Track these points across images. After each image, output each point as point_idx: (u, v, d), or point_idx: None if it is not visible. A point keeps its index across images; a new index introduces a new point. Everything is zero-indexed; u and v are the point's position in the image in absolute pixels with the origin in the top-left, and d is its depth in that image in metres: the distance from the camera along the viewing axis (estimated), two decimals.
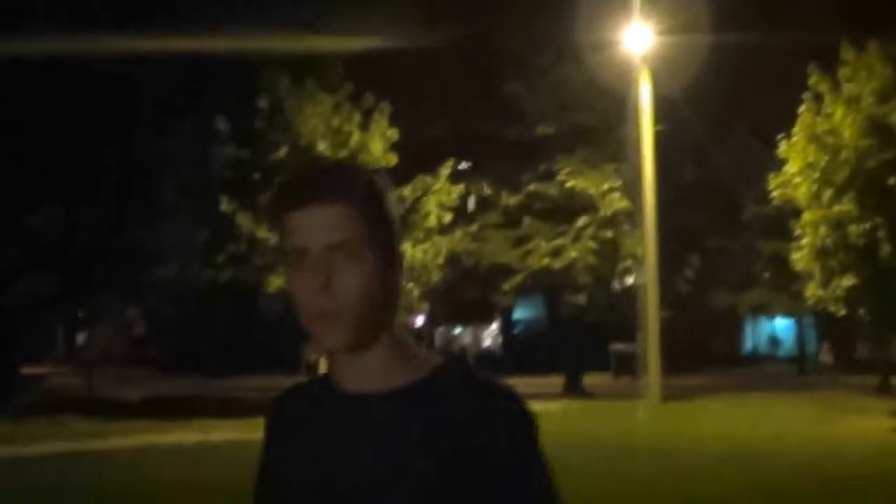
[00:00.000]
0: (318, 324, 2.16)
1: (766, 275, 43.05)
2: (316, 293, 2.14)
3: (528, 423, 2.19)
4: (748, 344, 61.42)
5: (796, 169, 27.23)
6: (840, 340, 50.91)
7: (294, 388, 2.46)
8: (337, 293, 2.14)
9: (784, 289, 39.09)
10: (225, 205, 27.49)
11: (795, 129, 27.52)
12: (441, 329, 64.35)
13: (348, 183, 2.22)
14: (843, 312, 28.12)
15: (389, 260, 2.23)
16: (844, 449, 19.84)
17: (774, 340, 60.38)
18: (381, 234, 2.21)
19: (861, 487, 15.29)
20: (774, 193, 28.16)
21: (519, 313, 57.97)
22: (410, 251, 28.64)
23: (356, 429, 2.20)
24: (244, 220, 27.56)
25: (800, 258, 27.84)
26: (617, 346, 42.67)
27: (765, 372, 49.14)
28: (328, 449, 2.23)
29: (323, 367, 20.21)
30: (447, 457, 2.12)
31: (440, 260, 29.42)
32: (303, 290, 2.17)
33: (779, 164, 28.27)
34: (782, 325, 58.34)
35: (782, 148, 27.51)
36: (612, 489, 14.59)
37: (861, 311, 27.88)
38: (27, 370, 34.63)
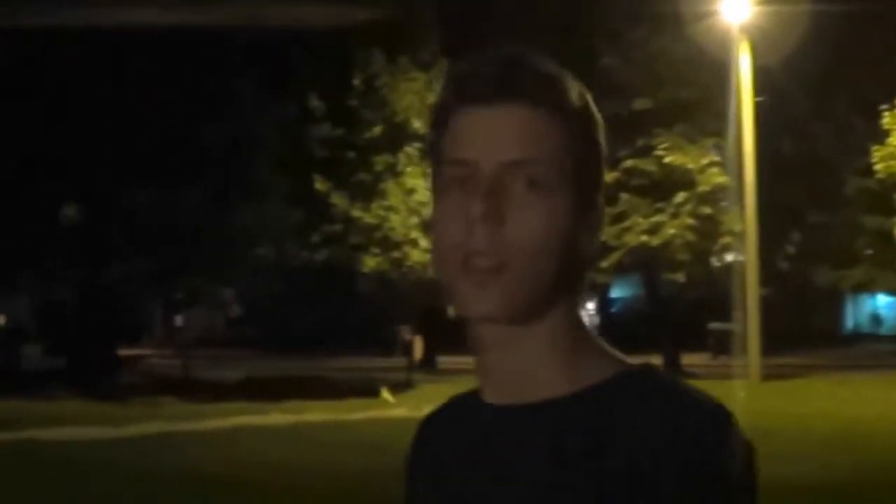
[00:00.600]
0: (468, 274, 1.53)
1: (869, 251, 42.28)
2: (474, 229, 1.50)
3: (739, 447, 1.53)
4: (849, 322, 60.60)
5: None
6: None
7: (442, 407, 1.82)
8: (507, 234, 1.51)
9: (888, 265, 38.35)
10: (319, 184, 27.50)
11: None
12: None
13: (559, 86, 1.57)
14: None
15: (587, 209, 1.60)
16: None
17: (876, 318, 59.51)
18: (588, 169, 1.59)
19: None
20: (878, 166, 27.57)
21: (616, 292, 57.57)
22: None
23: (503, 455, 1.58)
24: (339, 200, 27.54)
25: None
26: (715, 325, 42.13)
27: (866, 351, 48.35)
28: (467, 487, 1.62)
29: (418, 349, 20.13)
30: (626, 493, 1.49)
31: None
32: (454, 223, 1.53)
33: (882, 137, 27.63)
34: (884, 303, 57.48)
35: (886, 119, 26.87)
36: None
37: None
38: (125, 351, 34.93)
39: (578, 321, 1.62)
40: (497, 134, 1.54)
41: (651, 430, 1.49)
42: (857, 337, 56.71)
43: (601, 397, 1.54)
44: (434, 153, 1.63)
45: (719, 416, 1.52)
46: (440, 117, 1.61)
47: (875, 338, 55.85)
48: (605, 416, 1.52)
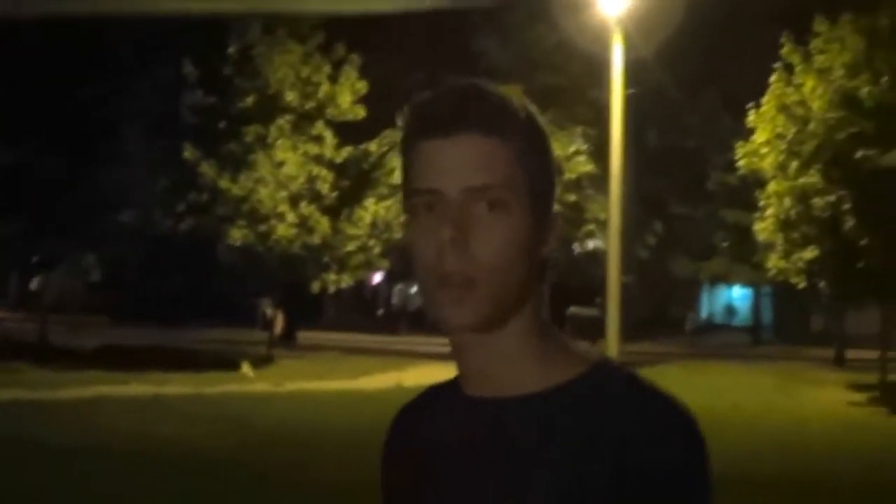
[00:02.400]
0: (444, 292, 1.68)
1: (727, 244, 43.17)
2: (445, 251, 1.67)
3: (701, 444, 1.68)
4: (704, 312, 61.70)
5: (764, 139, 27.11)
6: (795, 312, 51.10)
7: (419, 396, 1.98)
8: (474, 253, 1.67)
9: (744, 259, 39.16)
10: (189, 152, 27.19)
11: (765, 99, 27.38)
12: (399, 287, 64.27)
13: (508, 113, 1.73)
14: (803, 284, 28.08)
15: (543, 220, 1.76)
16: (803, 421, 19.84)
17: (731, 310, 60.68)
18: (540, 184, 1.75)
19: (821, 460, 15.26)
20: (741, 163, 28.05)
21: None
22: (373, 207, 28.46)
23: (483, 447, 1.74)
24: (207, 169, 27.27)
25: (763, 228, 27.77)
26: (574, 310, 42.60)
27: (720, 341, 49.31)
28: (447, 477, 1.77)
29: (279, 324, 20.03)
30: (604, 487, 1.64)
31: (402, 217, 29.21)
32: (428, 246, 1.69)
33: (747, 133, 28.12)
34: (739, 295, 58.64)
35: (751, 117, 27.37)
36: None
37: (821, 284, 27.83)
38: None
39: (544, 321, 1.80)
40: (458, 163, 1.69)
41: (621, 425, 1.65)
42: (712, 327, 57.79)
43: (572, 393, 1.71)
44: (403, 182, 1.77)
45: (685, 416, 1.69)
46: (405, 149, 1.76)
47: (729, 328, 56.99)
48: (575, 412, 1.68)
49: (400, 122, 1.80)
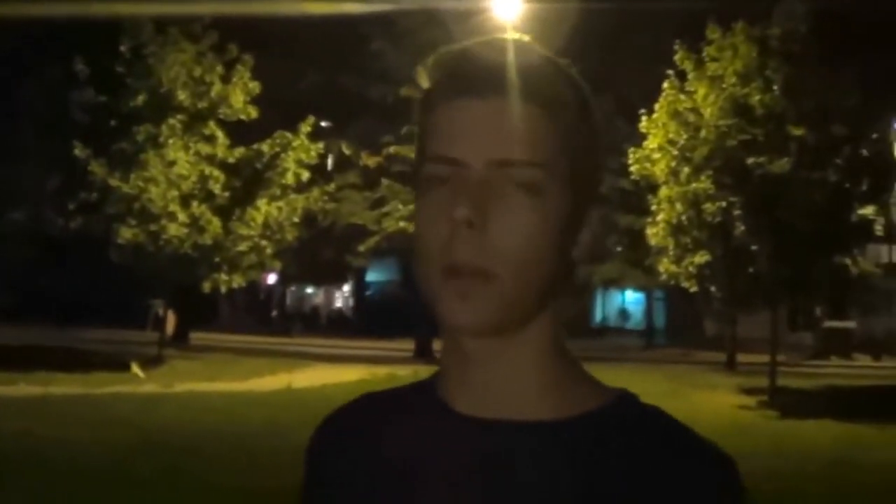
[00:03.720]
0: (450, 283, 1.38)
1: (619, 248, 43.56)
2: (458, 234, 1.36)
3: (742, 495, 1.42)
4: (598, 315, 62.20)
5: (656, 144, 27.37)
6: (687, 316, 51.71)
7: (365, 398, 1.63)
8: (494, 240, 1.37)
9: (637, 263, 39.55)
10: (79, 150, 26.87)
11: (658, 105, 27.66)
12: (293, 288, 64.07)
13: (559, 80, 1.45)
14: (694, 289, 28.39)
15: (582, 207, 1.46)
16: (694, 424, 19.97)
17: (624, 313, 61.26)
18: (583, 170, 1.45)
19: None
20: (633, 168, 28.28)
21: (372, 276, 57.86)
22: (266, 208, 28.34)
23: (477, 478, 1.42)
24: (98, 168, 26.95)
25: (655, 233, 28.01)
26: None
27: (613, 344, 49.72)
28: (407, 501, 1.46)
29: (171, 324, 19.80)
30: None
31: (296, 218, 29.13)
32: (437, 227, 1.39)
33: (640, 139, 28.38)
34: (632, 299, 59.21)
35: (644, 123, 27.63)
36: None
37: (712, 288, 28.18)
38: None
39: (561, 337, 1.51)
40: (487, 130, 1.40)
41: (648, 469, 1.39)
42: (605, 330, 58.28)
43: (594, 427, 1.43)
44: (417, 148, 1.50)
45: (724, 464, 1.43)
46: (424, 108, 1.48)
47: (622, 332, 57.53)
48: (599, 448, 1.41)
49: (420, 75, 1.49)
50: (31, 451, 13.76)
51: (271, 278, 57.09)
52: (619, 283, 49.75)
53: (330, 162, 38.53)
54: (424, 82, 1.48)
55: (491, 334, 1.41)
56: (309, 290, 65.15)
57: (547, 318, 1.47)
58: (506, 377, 1.45)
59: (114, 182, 26.90)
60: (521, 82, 1.40)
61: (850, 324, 50.15)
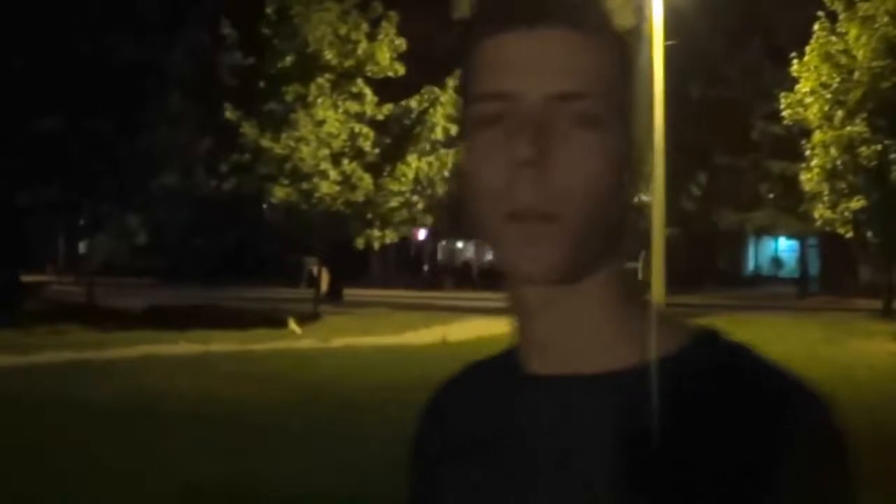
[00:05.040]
0: (514, 228, 1.28)
1: (772, 195, 42.88)
2: (519, 175, 1.27)
3: (841, 438, 1.31)
4: (751, 264, 61.43)
5: (808, 88, 26.89)
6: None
7: (461, 374, 1.56)
8: (557, 180, 1.27)
9: (790, 210, 38.92)
10: (229, 113, 27.28)
11: (808, 48, 27.13)
12: (444, 243, 64.31)
13: (604, 6, 1.33)
14: (850, 235, 27.90)
15: (633, 141, 1.34)
16: (852, 372, 19.67)
17: (777, 261, 60.38)
18: (634, 95, 1.34)
19: (872, 410, 15.15)
20: (785, 113, 27.81)
21: None
22: (416, 163, 28.44)
23: (557, 435, 1.34)
24: (249, 129, 27.34)
25: (809, 179, 27.57)
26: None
27: (767, 293, 49.05)
28: (511, 470, 1.37)
29: (325, 281, 20.03)
30: (709, 486, 1.24)
31: (446, 172, 29.20)
32: (493, 170, 1.29)
33: (790, 83, 27.90)
34: (785, 247, 58.32)
35: (795, 66, 27.14)
36: None
37: (868, 234, 27.65)
38: (28, 278, 34.45)
39: (630, 277, 1.41)
40: (542, 62, 1.29)
41: (728, 414, 1.27)
42: (758, 279, 57.52)
43: (674, 371, 1.32)
44: (463, 88, 1.38)
45: (814, 404, 1.31)
46: (471, 45, 1.36)
47: (775, 280, 56.72)
48: (675, 395, 1.30)
49: (461, 6, 1.30)
50: (195, 408, 14.06)
51: (422, 234, 57.40)
52: (771, 230, 49.04)
53: None
54: (467, 16, 1.39)
55: (558, 281, 1.32)
56: (460, 244, 65.33)
57: (613, 263, 1.37)
58: (572, 328, 1.37)
59: (265, 143, 27.28)
60: (575, 9, 1.31)
61: None
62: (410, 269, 62.28)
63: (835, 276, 51.68)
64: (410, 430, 1.60)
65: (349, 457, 10.91)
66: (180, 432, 12.19)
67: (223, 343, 22.72)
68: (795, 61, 27.26)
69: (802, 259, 52.66)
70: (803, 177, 27.90)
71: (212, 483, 9.74)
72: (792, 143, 30.78)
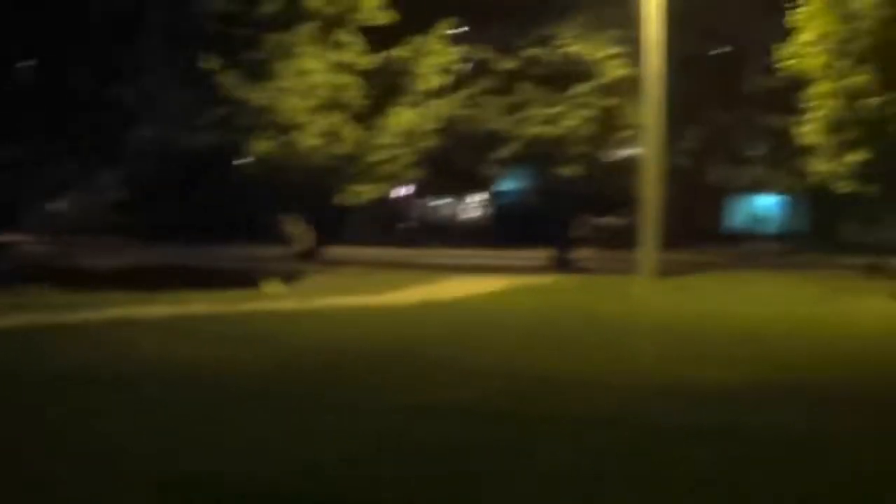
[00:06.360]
0: None
1: (764, 151, 42.39)
2: None
3: None
4: (730, 221, 61.00)
5: (811, 38, 26.08)
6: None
7: None
8: None
9: (781, 165, 38.39)
10: (209, 62, 26.40)
11: None
12: (425, 199, 63.58)
13: None
14: (848, 189, 27.26)
15: None
16: (853, 329, 19.09)
17: (758, 218, 59.96)
18: None
19: (880, 365, 14.56)
20: (786, 63, 26.98)
21: (510, 184, 56.94)
22: (406, 114, 27.71)
23: None
24: (228, 79, 26.48)
25: (808, 131, 26.80)
26: (601, 221, 42.17)
27: (749, 249, 48.54)
28: None
29: (306, 239, 19.37)
30: None
31: (434, 125, 28.47)
32: None
33: (786, 34, 27.09)
34: (767, 203, 57.92)
35: (796, 16, 26.33)
36: (620, 367, 13.66)
37: (872, 188, 26.97)
38: None
39: None
40: None
41: None
42: (738, 236, 57.06)
43: None
44: None
45: None
46: None
47: (755, 236, 56.27)
48: None
49: None
50: (174, 370, 13.33)
51: (401, 190, 56.64)
52: (762, 186, 48.56)
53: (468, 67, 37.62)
54: None
55: None
56: (442, 200, 64.58)
57: None
58: None
59: (244, 93, 26.42)
60: None
61: None
62: (384, 225, 61.38)
63: (819, 233, 51.25)
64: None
65: (346, 422, 10.00)
66: (159, 396, 11.33)
67: (201, 304, 22.09)
68: (790, 12, 26.48)
69: (787, 216, 52.23)
70: (803, 129, 27.11)
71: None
72: (785, 96, 30.01)
